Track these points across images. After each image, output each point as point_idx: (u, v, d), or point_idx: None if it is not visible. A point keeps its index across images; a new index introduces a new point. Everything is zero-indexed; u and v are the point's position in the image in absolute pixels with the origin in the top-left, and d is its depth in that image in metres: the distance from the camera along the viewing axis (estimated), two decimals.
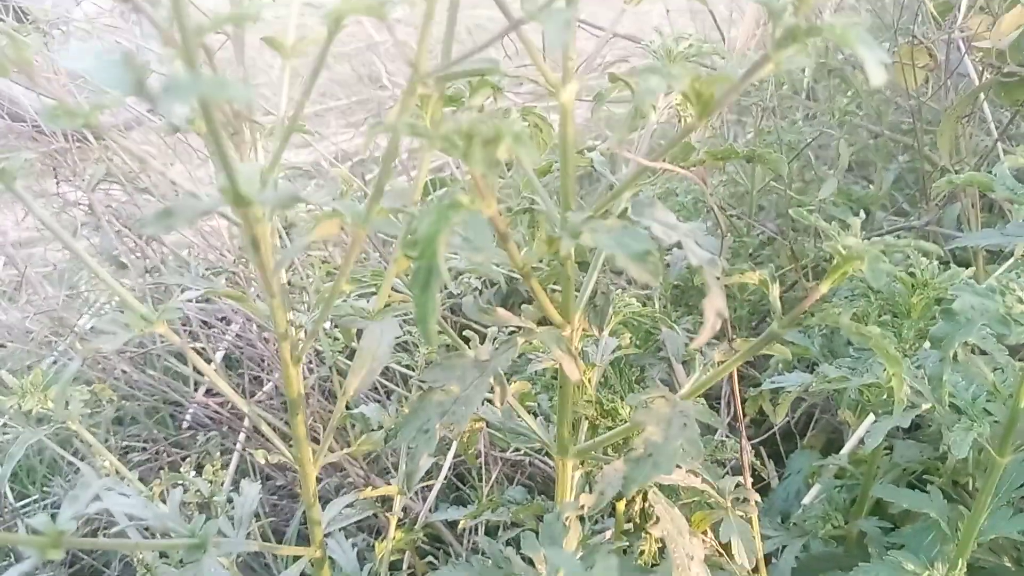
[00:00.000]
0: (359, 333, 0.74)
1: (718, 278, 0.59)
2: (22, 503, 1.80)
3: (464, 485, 1.67)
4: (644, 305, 0.95)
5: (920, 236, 1.60)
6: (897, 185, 2.20)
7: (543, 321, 0.74)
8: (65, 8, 3.34)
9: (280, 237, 1.12)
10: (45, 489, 1.91)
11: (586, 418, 0.88)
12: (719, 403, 1.61)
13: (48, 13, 3.22)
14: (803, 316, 0.62)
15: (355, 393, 0.64)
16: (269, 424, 0.80)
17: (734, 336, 0.71)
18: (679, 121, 0.69)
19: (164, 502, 0.91)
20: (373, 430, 1.65)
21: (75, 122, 0.49)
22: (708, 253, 0.58)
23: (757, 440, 1.50)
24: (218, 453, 1.68)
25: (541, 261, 0.98)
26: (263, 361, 1.86)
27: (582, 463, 0.86)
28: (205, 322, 1.95)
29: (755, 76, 0.52)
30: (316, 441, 0.79)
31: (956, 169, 1.43)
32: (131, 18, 3.43)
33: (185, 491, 1.01)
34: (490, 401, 0.82)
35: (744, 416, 1.38)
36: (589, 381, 0.87)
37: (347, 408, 1.13)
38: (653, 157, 0.60)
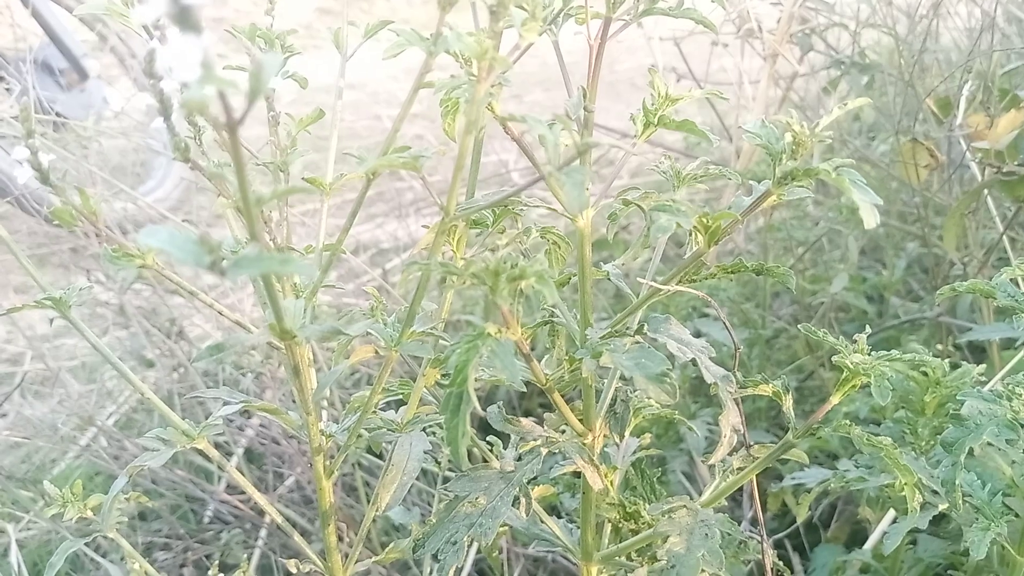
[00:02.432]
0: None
1: (732, 393, 0.62)
2: None
3: None
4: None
5: (934, 327, 1.63)
6: (910, 270, 2.23)
7: (566, 426, 0.77)
8: (97, 109, 3.50)
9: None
10: None
11: (609, 521, 0.89)
12: (741, 495, 1.61)
13: (80, 113, 3.37)
14: (817, 426, 0.65)
15: (387, 508, 0.67)
16: (290, 521, 0.82)
17: (750, 443, 0.73)
18: (690, 237, 0.73)
19: None
20: (396, 527, 1.66)
21: (134, 264, 0.54)
22: (722, 371, 0.61)
23: (781, 534, 1.49)
24: (242, 552, 1.69)
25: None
26: (284, 456, 1.88)
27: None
28: (228, 418, 1.98)
29: (757, 209, 0.56)
30: (339, 538, 0.81)
31: (964, 261, 1.46)
32: (155, 117, 3.58)
33: None
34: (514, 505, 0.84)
35: (766, 511, 1.39)
36: (611, 484, 0.89)
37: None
38: (665, 279, 0.64)
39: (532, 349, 0.67)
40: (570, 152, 0.48)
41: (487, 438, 0.86)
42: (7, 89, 3.04)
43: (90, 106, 3.45)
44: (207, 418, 1.85)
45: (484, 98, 0.51)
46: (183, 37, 0.29)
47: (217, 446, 1.02)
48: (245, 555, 1.51)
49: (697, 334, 1.69)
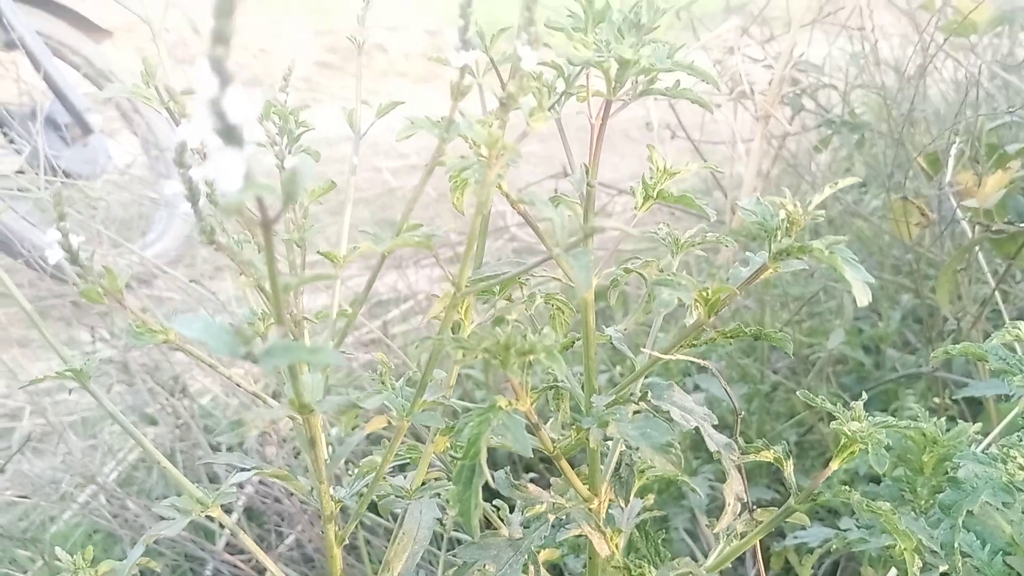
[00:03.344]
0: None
1: (735, 460, 0.64)
2: None
3: None
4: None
5: (930, 381, 1.65)
6: (905, 322, 2.26)
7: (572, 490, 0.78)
8: (100, 164, 3.55)
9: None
10: None
11: None
12: (744, 553, 1.61)
13: (86, 167, 3.41)
14: (817, 492, 0.66)
15: None
16: None
17: (754, 507, 0.75)
18: (692, 310, 0.75)
19: None
20: None
21: (157, 339, 0.56)
22: (725, 439, 0.63)
23: None
24: None
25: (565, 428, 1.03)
26: (285, 514, 1.88)
27: None
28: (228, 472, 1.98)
29: (754, 282, 0.59)
30: None
31: (957, 316, 1.49)
32: (159, 170, 3.64)
33: None
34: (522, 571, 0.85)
35: (769, 570, 1.39)
36: (617, 547, 0.90)
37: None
38: (666, 349, 0.66)
39: (537, 411, 0.69)
40: (576, 234, 0.50)
41: (493, 501, 0.87)
42: (10, 142, 3.09)
43: (94, 161, 3.50)
44: (208, 475, 1.84)
45: (494, 180, 0.54)
46: (227, 150, 0.32)
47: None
48: None
49: (696, 388, 1.71)
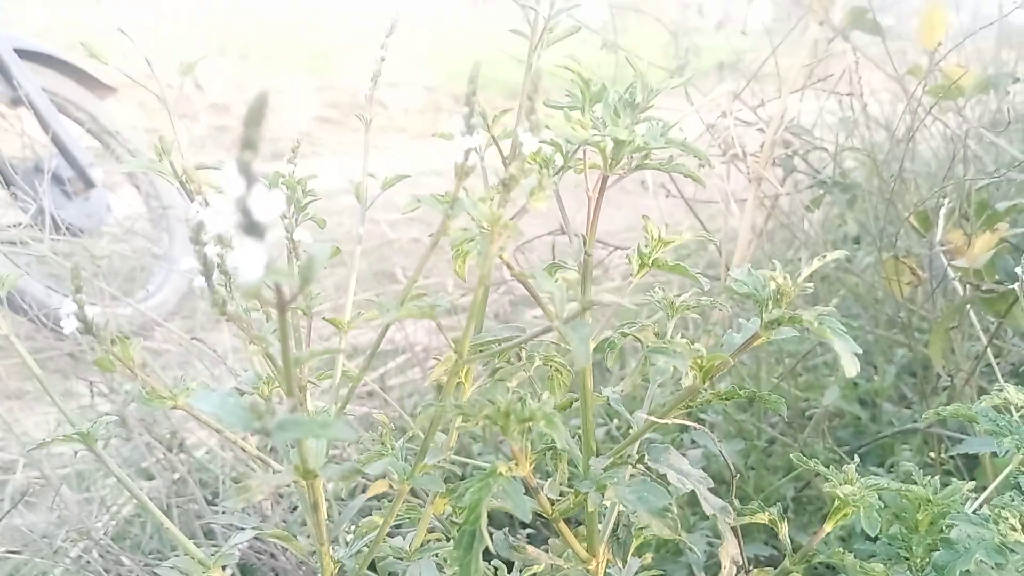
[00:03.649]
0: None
1: (730, 523, 0.65)
2: None
3: None
4: None
5: (926, 437, 1.66)
6: (900, 376, 2.27)
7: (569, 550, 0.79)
8: (100, 218, 3.59)
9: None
10: None
11: None
12: None
13: (89, 222, 3.45)
14: (812, 554, 0.67)
15: None
16: None
17: (750, 568, 0.76)
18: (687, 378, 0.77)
19: None
20: None
21: (167, 404, 0.58)
22: (720, 502, 0.64)
23: None
24: None
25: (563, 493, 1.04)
26: (280, 571, 1.86)
27: None
28: (222, 529, 1.96)
29: (746, 350, 0.61)
30: None
31: (951, 373, 1.51)
32: (161, 225, 3.68)
33: None
34: None
35: None
36: None
37: None
38: (662, 413, 0.67)
39: (536, 467, 0.71)
40: (575, 307, 0.53)
41: (491, 562, 0.88)
42: (13, 196, 3.13)
43: (95, 214, 3.54)
44: (204, 531, 1.83)
45: (495, 253, 0.56)
46: (250, 243, 0.34)
47: None
48: None
49: (693, 443, 1.71)
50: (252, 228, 0.33)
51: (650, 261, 0.72)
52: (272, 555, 1.82)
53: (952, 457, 1.81)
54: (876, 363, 2.14)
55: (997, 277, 1.38)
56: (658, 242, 0.73)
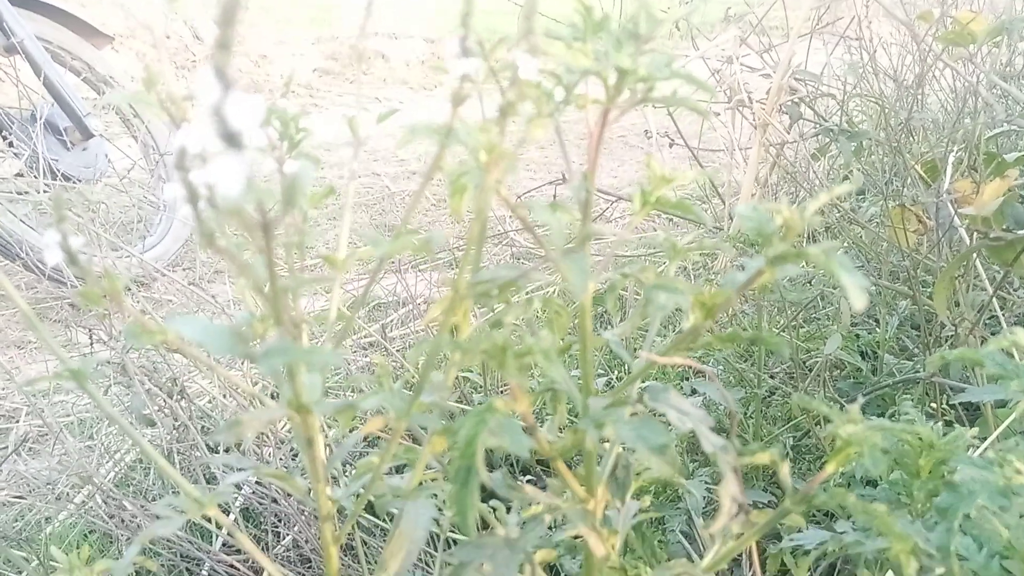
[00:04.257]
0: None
1: (731, 462, 0.64)
2: None
3: None
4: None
5: (927, 386, 1.65)
6: (903, 327, 2.27)
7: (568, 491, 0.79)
8: (99, 168, 3.55)
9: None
10: None
11: None
12: (740, 555, 1.61)
13: (85, 172, 3.42)
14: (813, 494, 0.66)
15: None
16: None
17: (749, 508, 0.75)
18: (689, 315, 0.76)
19: None
20: None
21: (155, 339, 0.57)
22: (721, 440, 0.63)
23: None
24: None
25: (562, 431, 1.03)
26: (282, 515, 1.88)
27: None
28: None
29: (750, 287, 0.59)
30: None
31: (955, 323, 1.49)
32: (158, 174, 3.65)
33: None
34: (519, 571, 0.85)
35: (765, 572, 1.39)
36: (613, 548, 0.90)
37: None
38: (663, 352, 0.66)
39: (534, 415, 0.70)
40: (574, 238, 0.51)
41: (489, 502, 0.87)
42: (10, 145, 3.09)
43: (92, 165, 3.50)
44: (205, 476, 1.84)
45: (493, 186, 0.54)
46: (228, 156, 0.32)
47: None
48: None
49: (693, 392, 1.71)
50: (229, 138, 0.31)
51: (652, 199, 0.70)
52: (274, 500, 1.84)
53: (953, 407, 1.81)
54: (878, 316, 2.14)
55: (1005, 225, 1.36)
56: (661, 180, 0.71)
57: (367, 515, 1.67)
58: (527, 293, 0.82)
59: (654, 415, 0.65)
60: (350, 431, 0.66)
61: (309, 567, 1.80)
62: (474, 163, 0.56)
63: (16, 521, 2.20)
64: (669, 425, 0.67)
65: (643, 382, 0.78)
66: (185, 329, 0.37)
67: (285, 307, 0.41)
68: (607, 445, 0.87)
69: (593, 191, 0.69)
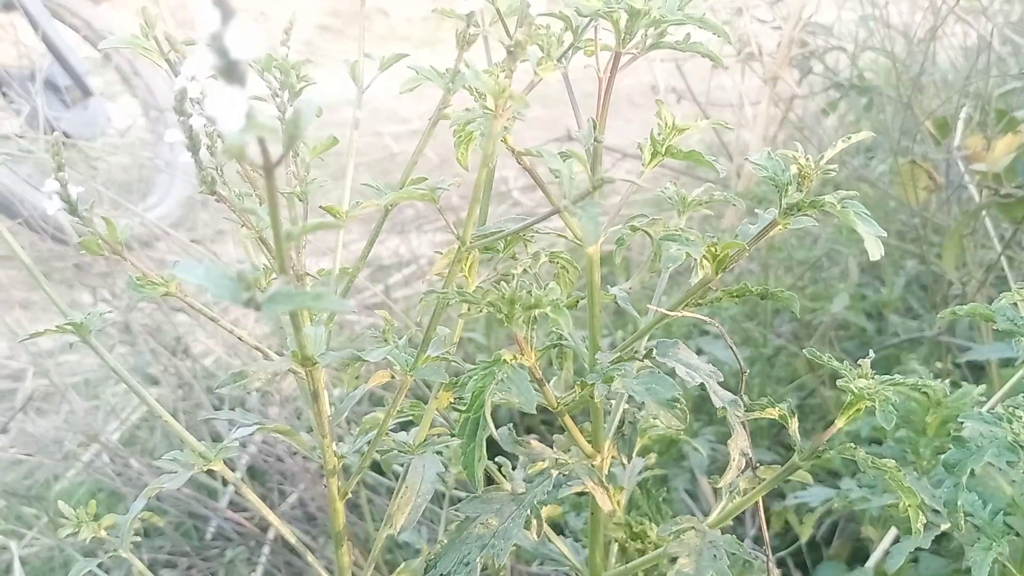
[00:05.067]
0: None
1: (739, 417, 0.64)
2: None
3: None
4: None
5: (933, 345, 1.64)
6: (909, 287, 2.25)
7: (574, 447, 0.78)
8: (100, 126, 3.53)
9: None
10: None
11: (616, 541, 0.91)
12: (744, 513, 1.62)
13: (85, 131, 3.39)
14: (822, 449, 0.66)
15: (401, 530, 0.68)
16: (297, 537, 0.83)
17: (756, 464, 0.75)
18: (696, 262, 0.74)
19: None
20: (399, 545, 1.66)
21: (158, 292, 0.56)
22: (730, 395, 0.62)
23: (783, 551, 1.50)
24: (245, 569, 1.69)
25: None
26: (288, 473, 1.89)
27: None
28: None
29: (763, 239, 0.58)
30: None
31: (963, 281, 1.48)
32: (159, 132, 3.62)
33: None
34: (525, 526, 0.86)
35: (769, 529, 1.39)
36: (618, 504, 0.90)
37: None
38: (672, 306, 0.65)
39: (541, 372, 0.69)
40: (583, 186, 0.50)
41: (495, 458, 0.87)
42: (10, 103, 3.06)
43: (93, 123, 3.47)
44: (211, 435, 1.86)
45: (500, 132, 0.53)
46: (228, 88, 0.31)
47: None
48: (250, 573, 1.51)
49: (699, 352, 1.71)
50: (230, 70, 0.30)
51: (663, 149, 0.69)
52: (279, 458, 1.84)
53: (959, 367, 1.81)
54: (884, 277, 2.12)
55: (1017, 181, 1.34)
56: (671, 130, 0.70)
57: (374, 473, 1.67)
58: (534, 248, 0.81)
59: (662, 370, 0.64)
60: (355, 390, 0.65)
61: (314, 524, 1.81)
62: (481, 110, 0.55)
63: (25, 479, 2.22)
64: (677, 379, 0.66)
65: (650, 338, 0.77)
66: (188, 274, 0.36)
67: (288, 255, 0.40)
68: (613, 403, 0.86)
69: (603, 141, 0.67)
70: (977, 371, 1.81)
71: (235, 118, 0.31)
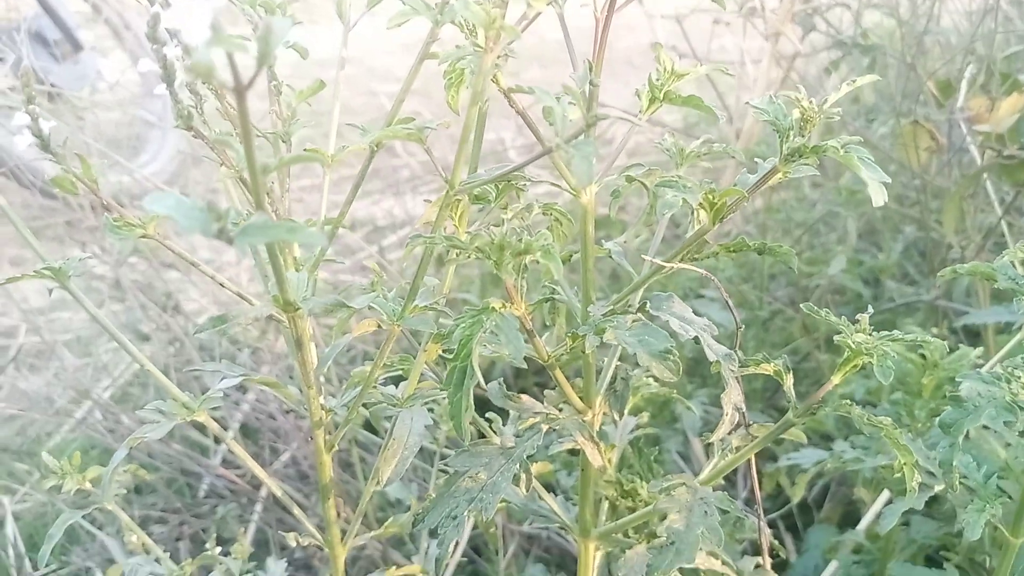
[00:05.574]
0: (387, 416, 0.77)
1: (734, 371, 0.62)
2: (41, 572, 1.81)
3: (480, 557, 1.68)
4: (657, 380, 0.98)
5: (929, 310, 1.63)
6: (906, 253, 2.24)
7: (565, 402, 0.77)
8: (90, 81, 3.47)
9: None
10: (63, 558, 1.92)
11: (606, 498, 0.90)
12: (735, 475, 1.62)
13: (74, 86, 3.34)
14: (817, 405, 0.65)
15: (388, 483, 0.67)
16: (289, 495, 0.82)
17: (750, 422, 0.74)
18: (692, 216, 0.72)
19: None
20: (391, 503, 1.66)
21: (135, 233, 0.54)
22: (725, 349, 0.61)
23: (774, 514, 1.50)
24: (238, 526, 1.69)
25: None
26: (280, 432, 1.88)
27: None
28: (223, 392, 1.97)
29: (763, 187, 0.56)
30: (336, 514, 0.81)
31: (962, 245, 1.46)
32: (150, 89, 3.56)
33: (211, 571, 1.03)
34: (513, 481, 0.85)
35: (760, 490, 1.39)
36: (609, 462, 0.89)
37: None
38: (668, 257, 0.63)
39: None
40: (577, 125, 0.48)
41: (486, 415, 0.86)
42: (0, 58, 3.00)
43: (84, 78, 3.41)
44: (203, 392, 1.84)
45: (490, 69, 0.51)
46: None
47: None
48: (241, 529, 1.51)
49: (694, 313, 1.69)
50: None
51: (661, 94, 0.66)
52: (271, 416, 1.84)
53: (955, 332, 1.80)
54: (882, 243, 2.10)
55: (1021, 143, 1.32)
56: (671, 75, 0.67)
57: (365, 432, 1.67)
58: (526, 204, 0.78)
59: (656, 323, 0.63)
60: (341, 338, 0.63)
61: (307, 482, 1.81)
62: (471, 47, 0.52)
63: (18, 435, 2.22)
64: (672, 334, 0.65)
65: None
66: (155, 205, 0.34)
67: (264, 190, 0.38)
68: (605, 359, 0.85)
69: (598, 84, 0.65)
70: (973, 337, 1.80)
71: (200, 29, 0.29)
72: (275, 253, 0.46)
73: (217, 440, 1.91)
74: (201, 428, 1.94)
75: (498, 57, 0.51)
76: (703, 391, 1.59)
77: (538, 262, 0.52)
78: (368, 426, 1.61)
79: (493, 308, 0.52)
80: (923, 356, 1.01)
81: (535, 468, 0.88)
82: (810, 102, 0.53)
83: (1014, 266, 0.82)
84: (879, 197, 0.48)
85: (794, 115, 0.54)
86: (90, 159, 1.65)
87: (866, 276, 2.07)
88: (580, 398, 0.75)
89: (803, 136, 0.53)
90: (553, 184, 0.67)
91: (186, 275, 2.08)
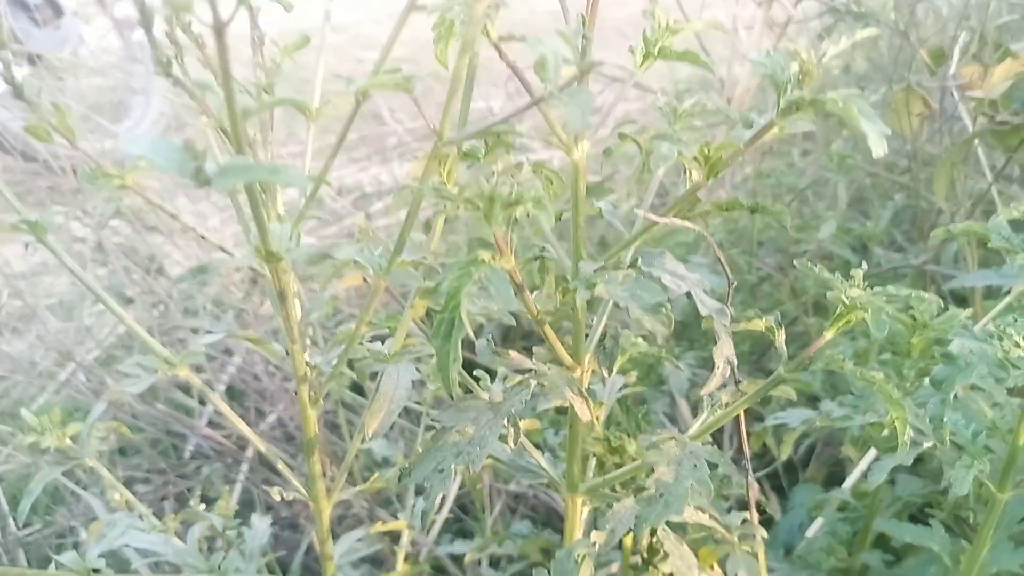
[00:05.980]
0: (373, 373, 0.76)
1: (726, 326, 0.62)
2: (26, 532, 1.80)
3: (467, 516, 1.69)
4: (646, 340, 0.98)
5: (918, 275, 1.64)
6: (895, 221, 2.24)
7: (554, 360, 0.77)
8: (72, 47, 3.41)
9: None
10: (48, 518, 1.91)
11: (594, 455, 0.90)
12: (722, 435, 1.63)
13: (56, 51, 3.28)
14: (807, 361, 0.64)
15: (373, 436, 0.66)
16: (268, 447, 0.82)
17: (739, 379, 0.73)
18: (685, 174, 0.72)
19: (177, 536, 0.92)
20: (378, 463, 1.66)
21: (113, 183, 0.52)
22: (717, 303, 0.60)
23: (760, 473, 1.52)
24: (223, 486, 1.69)
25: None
26: (266, 393, 1.88)
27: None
28: (208, 354, 1.96)
29: (759, 141, 0.55)
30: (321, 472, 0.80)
31: (952, 211, 1.46)
32: (134, 55, 3.49)
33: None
34: (500, 438, 0.84)
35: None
36: (597, 419, 0.89)
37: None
38: (661, 212, 0.62)
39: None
40: (570, 75, 0.46)
41: (474, 373, 0.85)
42: None
43: (65, 43, 3.34)
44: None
45: (481, 18, 0.49)
46: None
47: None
48: (227, 487, 1.51)
49: None
50: None
51: (656, 50, 0.65)
52: (256, 377, 1.83)
53: (942, 297, 1.80)
54: (870, 211, 2.10)
55: (1013, 108, 1.31)
56: (666, 30, 0.66)
57: (353, 393, 1.66)
58: (516, 163, 0.77)
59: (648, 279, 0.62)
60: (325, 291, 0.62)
61: (293, 443, 1.81)
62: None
63: (1, 398, 2.20)
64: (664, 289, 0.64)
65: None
66: (131, 147, 0.33)
67: (245, 133, 0.37)
68: (595, 319, 0.84)
69: (592, 38, 0.64)
70: (960, 302, 1.81)
71: None
72: (257, 200, 0.44)
73: (202, 402, 1.90)
74: (186, 389, 1.94)
75: (488, 6, 0.50)
76: (690, 353, 1.60)
77: (528, 215, 0.51)
78: (355, 387, 1.61)
79: (482, 260, 0.51)
80: (913, 317, 1.01)
81: (523, 426, 0.87)
82: (808, 53, 0.52)
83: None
84: (879, 148, 0.47)
85: (793, 68, 0.53)
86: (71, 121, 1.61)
87: (854, 243, 2.07)
88: (569, 355, 0.75)
89: (801, 89, 0.52)
90: (546, 141, 0.66)
91: (169, 238, 2.06)
